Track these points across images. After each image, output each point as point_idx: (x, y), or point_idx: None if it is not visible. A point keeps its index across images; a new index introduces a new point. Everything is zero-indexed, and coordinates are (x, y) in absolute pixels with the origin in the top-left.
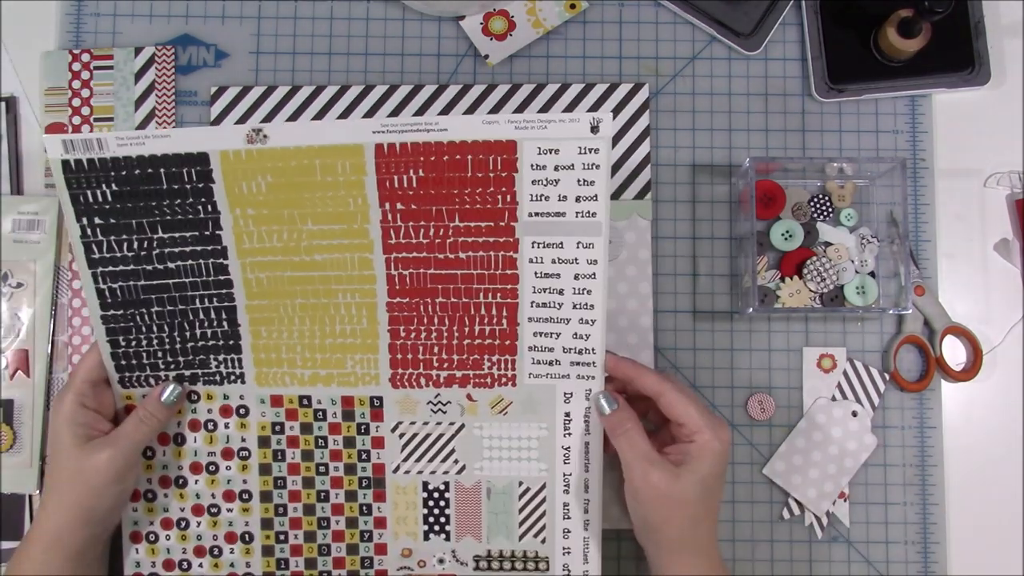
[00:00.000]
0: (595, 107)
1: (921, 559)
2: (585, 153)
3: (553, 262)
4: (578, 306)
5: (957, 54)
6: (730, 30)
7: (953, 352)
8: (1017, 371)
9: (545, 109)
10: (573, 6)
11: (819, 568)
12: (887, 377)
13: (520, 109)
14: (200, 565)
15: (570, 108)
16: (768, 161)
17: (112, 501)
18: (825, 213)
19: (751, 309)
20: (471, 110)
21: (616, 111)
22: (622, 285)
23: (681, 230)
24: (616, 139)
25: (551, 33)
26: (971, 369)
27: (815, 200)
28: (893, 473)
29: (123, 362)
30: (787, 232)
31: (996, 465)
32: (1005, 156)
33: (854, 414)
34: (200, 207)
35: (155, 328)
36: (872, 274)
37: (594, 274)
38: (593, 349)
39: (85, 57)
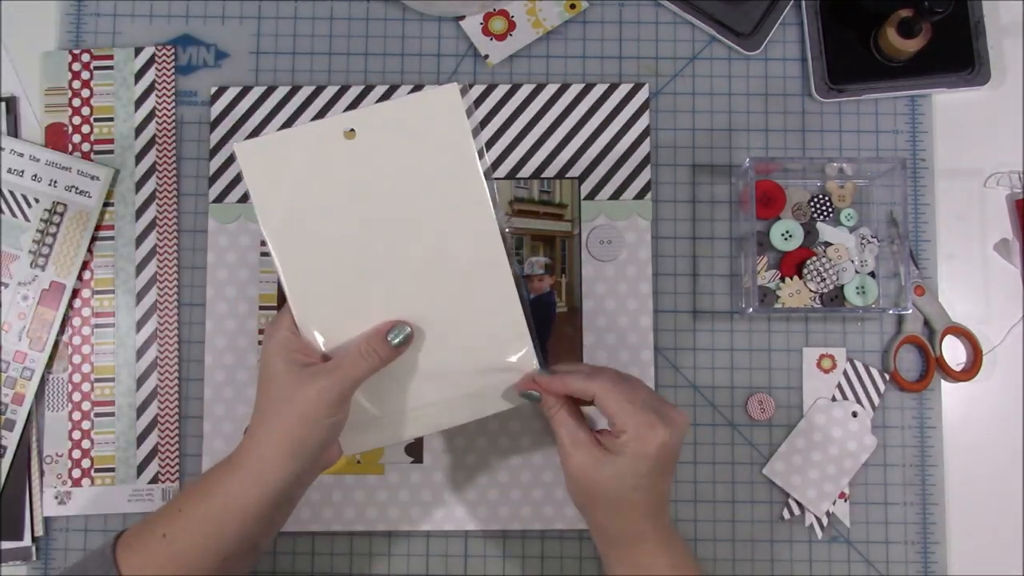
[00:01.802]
0: (595, 107)
1: (921, 559)
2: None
3: None
4: None
5: (957, 54)
6: (730, 30)
7: (953, 352)
8: (1017, 371)
9: (545, 109)
10: (573, 6)
11: (819, 568)
12: (887, 377)
13: (520, 109)
14: None
15: (570, 108)
16: (768, 161)
17: (323, 434)
18: (825, 213)
19: (751, 309)
20: (471, 110)
21: (616, 111)
22: (622, 285)
23: (681, 230)
24: (616, 139)
25: (551, 33)
26: (971, 369)
27: (815, 200)
28: (893, 473)
29: None
30: (787, 232)
31: (996, 465)
32: (1005, 156)
33: (854, 414)
34: None
35: None
36: (872, 274)
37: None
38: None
39: (85, 57)
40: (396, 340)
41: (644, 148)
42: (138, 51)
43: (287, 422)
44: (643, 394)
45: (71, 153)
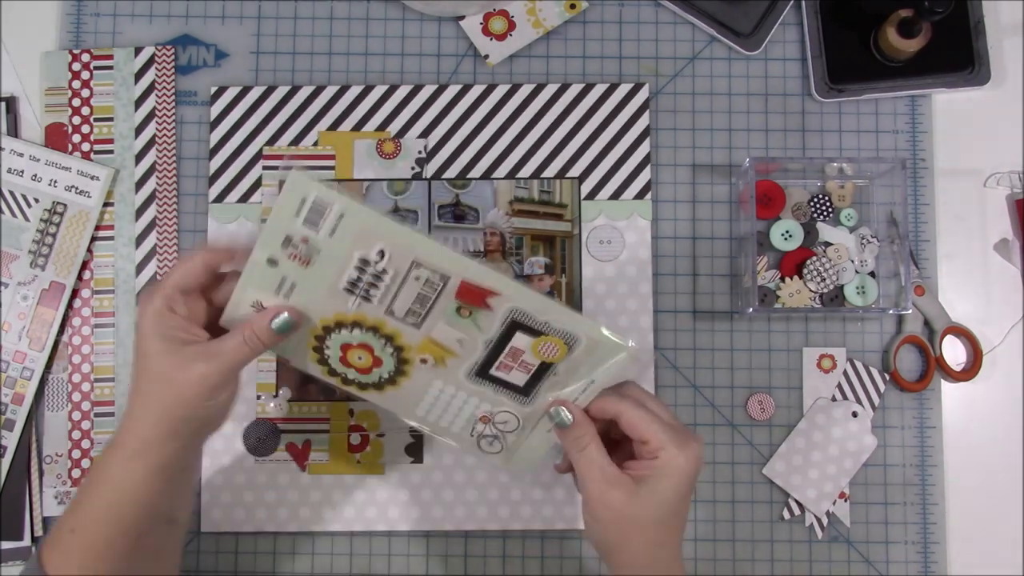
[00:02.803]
0: (595, 107)
1: (921, 559)
2: None
3: None
4: None
5: (957, 54)
6: (730, 30)
7: (953, 352)
8: (1017, 371)
9: (545, 109)
10: (573, 6)
11: (819, 568)
12: (887, 377)
13: (520, 109)
14: None
15: (570, 108)
16: (768, 161)
17: (205, 414)
18: (825, 213)
19: (751, 309)
20: (471, 110)
21: (616, 111)
22: (622, 285)
23: (681, 230)
24: (616, 139)
25: (551, 33)
26: (971, 369)
27: (815, 200)
28: (893, 473)
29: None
30: (787, 232)
31: (996, 465)
32: (1005, 156)
33: (854, 414)
34: None
35: None
36: (872, 274)
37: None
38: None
39: (85, 57)
40: (278, 325)
41: (644, 148)
42: (138, 51)
43: (165, 403)
44: (667, 411)
45: (71, 153)
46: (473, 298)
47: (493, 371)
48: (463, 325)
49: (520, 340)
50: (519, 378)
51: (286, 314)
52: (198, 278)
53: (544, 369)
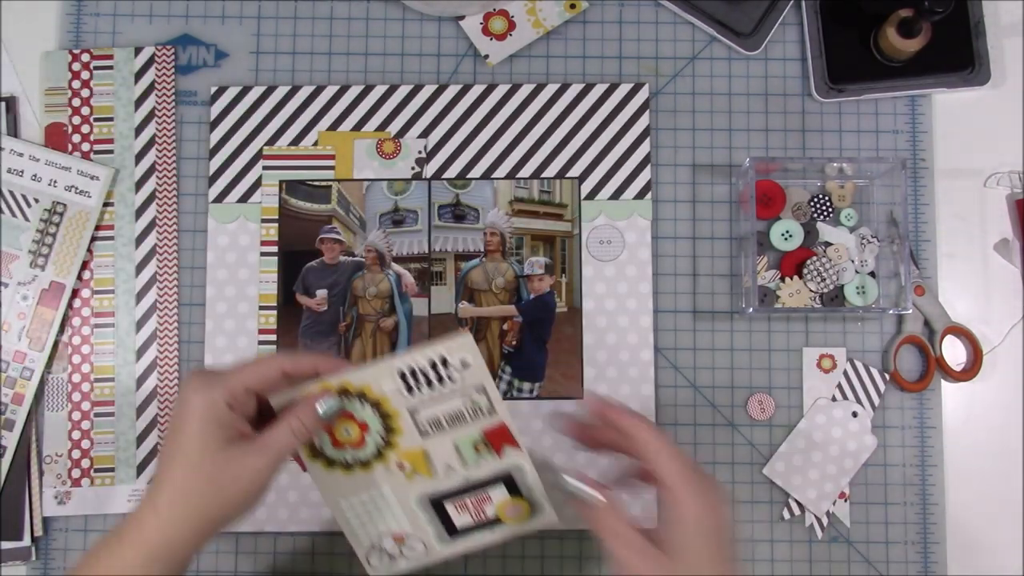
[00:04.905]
0: (595, 107)
1: (921, 559)
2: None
3: None
4: None
5: (957, 54)
6: (730, 30)
7: (953, 352)
8: (1017, 371)
9: (545, 109)
10: (573, 6)
11: (819, 568)
12: (887, 377)
13: (520, 109)
14: None
15: (570, 108)
16: (768, 161)
17: (238, 515)
18: (825, 213)
19: (751, 309)
20: (471, 110)
21: (616, 111)
22: (622, 285)
23: (681, 230)
24: (616, 139)
25: (551, 33)
26: (971, 369)
27: (815, 200)
28: (893, 473)
29: None
30: (787, 232)
31: (996, 465)
32: (1005, 156)
33: (854, 414)
34: None
35: None
36: (872, 274)
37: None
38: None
39: (85, 57)
40: (324, 411)
41: (644, 148)
42: (138, 51)
43: (205, 503)
44: (685, 454)
45: (71, 153)
46: (499, 441)
47: (446, 503)
48: (466, 457)
49: (497, 492)
50: (463, 520)
51: (332, 399)
52: (271, 384)
53: (492, 523)
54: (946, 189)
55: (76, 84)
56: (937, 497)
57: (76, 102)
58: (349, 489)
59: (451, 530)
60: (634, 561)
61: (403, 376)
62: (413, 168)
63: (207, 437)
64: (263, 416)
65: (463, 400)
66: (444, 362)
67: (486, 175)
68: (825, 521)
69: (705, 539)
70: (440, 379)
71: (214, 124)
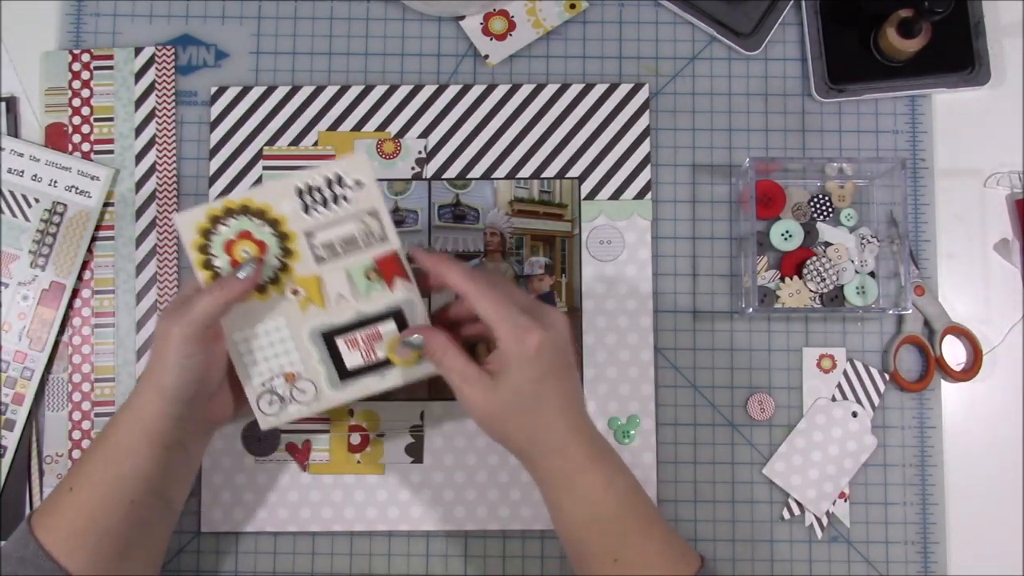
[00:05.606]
0: (595, 107)
1: (921, 559)
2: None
3: None
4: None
5: (957, 54)
6: (730, 30)
7: (953, 352)
8: (1017, 371)
9: (545, 109)
10: (573, 6)
11: (819, 568)
12: (887, 377)
13: (520, 109)
14: None
15: (570, 108)
16: (768, 161)
17: (186, 375)
18: (825, 213)
19: (751, 309)
20: (471, 110)
21: (616, 111)
22: (622, 285)
23: (681, 230)
24: (616, 139)
25: (551, 33)
26: (971, 369)
27: (815, 200)
28: (893, 473)
29: None
30: (787, 232)
31: (996, 465)
32: (1005, 156)
33: (854, 414)
34: None
35: None
36: (872, 274)
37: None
38: None
39: (85, 57)
40: (242, 273)
41: (644, 148)
42: (138, 51)
43: (152, 370)
44: (519, 297)
45: (71, 153)
46: (390, 271)
47: (338, 339)
48: (358, 285)
49: (387, 327)
50: (354, 359)
51: (250, 264)
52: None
53: (380, 366)
54: (946, 189)
55: (76, 84)
56: (937, 497)
57: (76, 102)
58: (244, 320)
59: (342, 373)
60: (467, 391)
61: (300, 194)
62: (413, 168)
63: (176, 356)
64: None
65: (356, 224)
66: (340, 180)
67: (486, 175)
68: (825, 521)
69: (522, 361)
70: (335, 199)
71: (214, 124)
